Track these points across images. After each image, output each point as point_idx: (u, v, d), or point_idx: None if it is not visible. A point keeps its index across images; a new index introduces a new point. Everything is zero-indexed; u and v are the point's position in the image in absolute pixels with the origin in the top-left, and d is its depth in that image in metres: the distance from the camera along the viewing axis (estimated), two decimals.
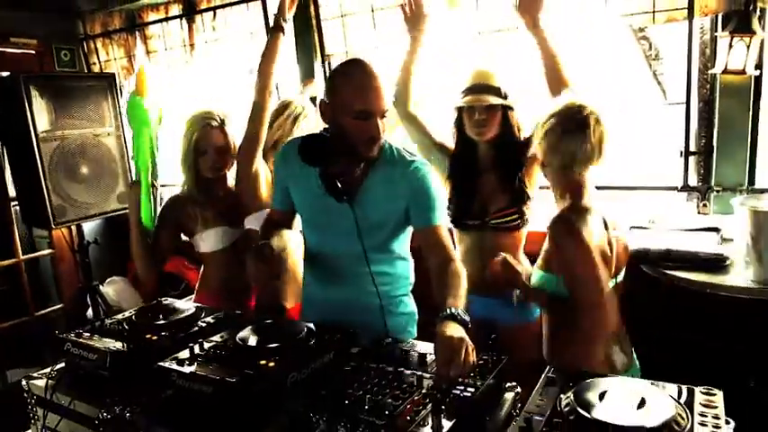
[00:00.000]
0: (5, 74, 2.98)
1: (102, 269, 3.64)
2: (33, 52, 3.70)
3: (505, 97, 1.85)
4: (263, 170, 1.97)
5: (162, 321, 1.56)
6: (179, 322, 1.56)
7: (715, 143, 2.25)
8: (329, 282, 1.65)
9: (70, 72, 3.75)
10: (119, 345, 1.42)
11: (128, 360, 1.38)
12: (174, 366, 1.25)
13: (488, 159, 1.92)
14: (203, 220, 1.98)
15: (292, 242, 1.88)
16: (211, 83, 3.55)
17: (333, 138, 1.52)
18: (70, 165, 2.98)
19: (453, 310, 1.26)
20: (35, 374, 1.50)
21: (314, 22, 2.85)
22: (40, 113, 2.90)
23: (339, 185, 1.50)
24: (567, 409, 1.06)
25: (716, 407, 1.06)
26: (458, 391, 1.13)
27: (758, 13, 2.02)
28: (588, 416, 1.01)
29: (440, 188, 1.57)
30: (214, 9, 3.23)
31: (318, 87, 2.82)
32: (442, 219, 1.55)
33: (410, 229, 1.62)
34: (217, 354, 1.31)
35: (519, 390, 1.25)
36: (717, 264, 1.82)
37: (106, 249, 3.64)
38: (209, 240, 2.00)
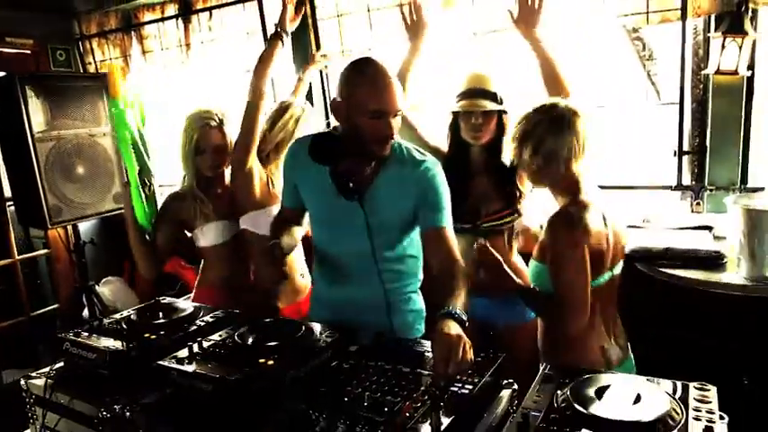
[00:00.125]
0: (1, 74, 2.96)
1: (98, 269, 3.64)
2: (29, 52, 3.69)
3: (501, 102, 1.86)
4: (256, 169, 1.98)
5: (161, 320, 1.57)
6: (178, 321, 1.57)
7: (708, 143, 2.28)
8: (338, 279, 1.65)
9: (66, 72, 3.74)
10: (118, 344, 1.42)
11: (127, 359, 1.38)
12: (174, 365, 1.26)
13: (481, 162, 1.93)
14: (203, 215, 2.00)
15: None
16: (207, 83, 3.55)
17: (345, 136, 1.52)
18: (66, 165, 2.97)
19: (452, 309, 1.27)
20: (34, 374, 1.50)
21: (310, 21, 2.86)
22: (36, 113, 2.90)
23: (350, 184, 1.50)
24: (563, 405, 1.08)
25: (710, 402, 1.08)
26: (455, 389, 1.15)
27: (750, 14, 2.05)
28: (585, 411, 1.03)
29: (448, 190, 1.57)
30: (210, 9, 3.23)
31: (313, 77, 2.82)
32: (449, 220, 1.55)
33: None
34: (216, 352, 1.32)
35: (516, 387, 1.26)
36: (714, 261, 1.84)
37: (102, 249, 3.63)
38: (208, 234, 2.01)
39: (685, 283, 1.80)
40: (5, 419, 1.75)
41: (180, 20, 3.35)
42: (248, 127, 1.93)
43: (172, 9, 3.39)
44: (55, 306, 3.67)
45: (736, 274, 1.78)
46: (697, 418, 1.03)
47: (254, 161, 1.97)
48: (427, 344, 1.37)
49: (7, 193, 3.29)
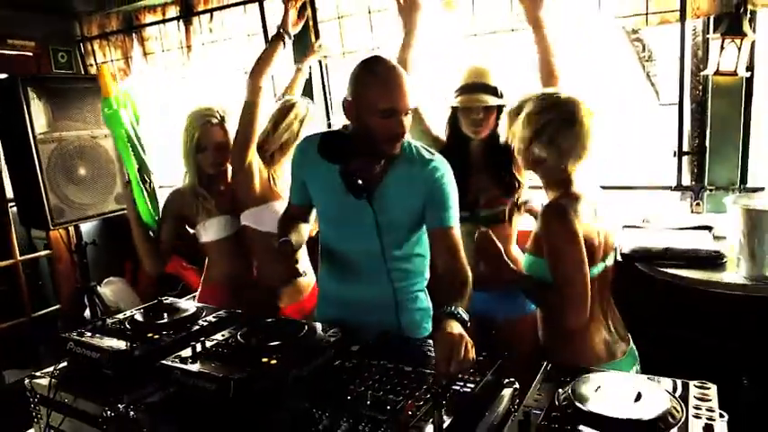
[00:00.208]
0: (3, 76, 2.97)
1: (99, 270, 3.65)
2: (30, 54, 3.70)
3: (501, 96, 1.86)
4: (256, 165, 1.98)
5: (164, 320, 1.58)
6: (181, 321, 1.57)
7: (708, 143, 2.29)
8: (347, 278, 1.66)
9: (68, 74, 3.75)
10: (122, 344, 1.43)
11: (131, 359, 1.39)
12: (177, 364, 1.27)
13: (480, 153, 1.93)
14: (205, 211, 2.01)
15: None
16: (208, 84, 3.56)
17: (355, 135, 1.52)
18: (68, 166, 2.99)
19: (453, 309, 1.28)
20: (38, 373, 1.50)
21: (311, 23, 2.87)
22: (38, 115, 2.91)
23: (360, 182, 1.50)
24: (564, 403, 1.08)
25: (710, 400, 1.09)
26: (457, 387, 1.16)
27: (748, 15, 2.06)
28: (585, 409, 1.04)
29: (456, 190, 1.58)
30: (211, 11, 3.24)
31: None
32: (456, 220, 1.56)
33: None
34: (219, 352, 1.33)
35: (517, 385, 1.26)
36: (714, 261, 1.85)
37: (104, 250, 3.64)
38: (210, 229, 2.02)
39: (685, 283, 1.81)
40: (8, 420, 1.75)
41: (181, 22, 3.37)
42: (247, 124, 1.94)
43: (173, 11, 3.40)
44: (56, 307, 3.67)
45: (735, 273, 1.79)
46: (697, 416, 1.04)
47: (253, 157, 1.97)
48: (429, 343, 1.38)
49: (9, 194, 3.31)
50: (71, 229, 3.31)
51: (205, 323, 1.57)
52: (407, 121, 1.48)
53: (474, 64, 1.91)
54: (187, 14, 3.33)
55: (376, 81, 1.45)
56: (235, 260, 2.06)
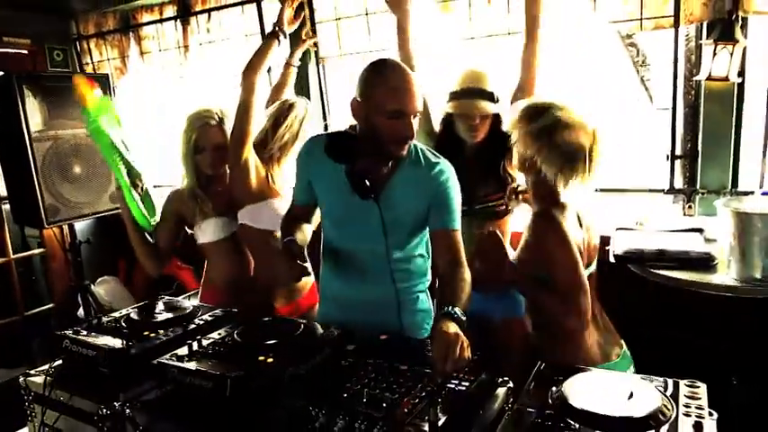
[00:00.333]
0: None
1: (93, 269, 3.64)
2: (26, 52, 3.69)
3: (497, 101, 1.87)
4: (252, 162, 1.99)
5: (160, 318, 1.58)
6: (177, 320, 1.58)
7: (700, 147, 2.32)
8: (350, 278, 1.66)
9: (64, 72, 3.74)
10: (117, 342, 1.43)
11: (127, 357, 1.39)
12: (174, 362, 1.27)
13: (474, 154, 1.94)
14: (202, 213, 2.01)
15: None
16: (206, 84, 3.56)
17: (362, 136, 1.53)
18: (63, 164, 2.98)
19: (451, 309, 1.30)
20: (32, 371, 1.50)
21: (308, 22, 2.88)
22: (33, 113, 2.91)
23: (367, 183, 1.51)
24: (557, 401, 1.10)
25: (700, 398, 1.11)
26: (452, 386, 1.17)
27: (740, 21, 2.09)
28: (578, 407, 1.06)
29: (460, 193, 1.59)
30: (209, 11, 3.25)
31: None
32: (459, 223, 1.57)
33: None
34: (216, 350, 1.33)
35: (511, 384, 1.28)
36: (706, 263, 1.87)
37: (98, 249, 3.63)
38: (207, 231, 2.02)
39: (677, 285, 1.83)
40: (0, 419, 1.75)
41: (178, 21, 3.37)
42: (242, 121, 1.94)
43: (170, 11, 3.40)
44: (50, 306, 3.66)
45: (726, 275, 1.81)
46: (687, 414, 1.06)
47: (249, 154, 1.98)
48: (428, 343, 1.39)
49: (2, 191, 3.30)
50: (65, 227, 3.30)
51: (201, 322, 1.57)
52: (415, 123, 1.48)
53: (470, 68, 1.91)
54: (184, 14, 3.33)
55: (385, 83, 1.46)
56: (233, 261, 2.07)
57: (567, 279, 1.47)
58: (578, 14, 2.32)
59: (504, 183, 1.92)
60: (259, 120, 2.04)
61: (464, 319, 1.30)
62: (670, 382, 1.17)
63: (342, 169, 1.54)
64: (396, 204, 1.55)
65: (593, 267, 1.63)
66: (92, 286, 3.40)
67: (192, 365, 1.25)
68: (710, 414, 1.07)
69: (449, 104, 1.91)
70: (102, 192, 3.12)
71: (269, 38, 2.09)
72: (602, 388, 1.12)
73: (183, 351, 1.32)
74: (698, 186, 2.33)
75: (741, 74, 2.14)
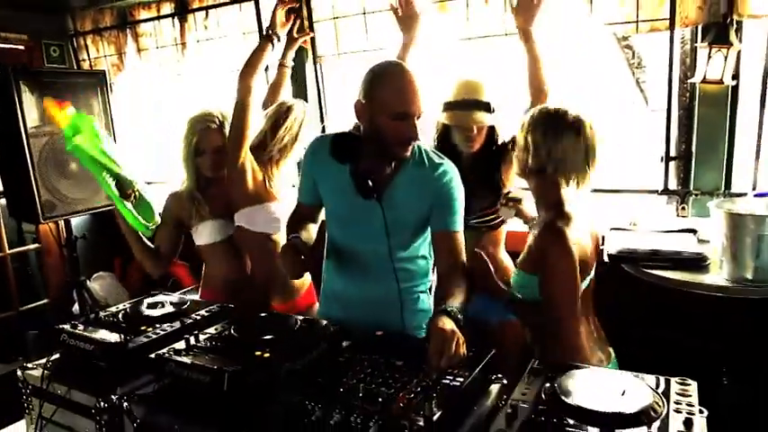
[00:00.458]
0: None
1: (89, 264, 3.63)
2: (22, 47, 3.68)
3: (493, 111, 1.87)
4: (249, 165, 2.00)
5: (157, 313, 1.59)
6: (174, 315, 1.59)
7: (694, 149, 2.34)
8: (354, 277, 1.67)
9: (61, 68, 3.74)
10: (115, 336, 1.44)
11: (124, 351, 1.40)
12: (172, 356, 1.28)
13: (470, 164, 1.95)
14: (198, 216, 2.02)
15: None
16: (203, 82, 3.56)
17: (366, 137, 1.54)
18: (59, 160, 2.98)
19: (449, 307, 1.31)
20: (30, 365, 1.51)
21: (306, 23, 2.89)
22: (30, 109, 2.90)
23: (370, 183, 1.52)
24: (551, 397, 1.12)
25: (690, 396, 1.13)
26: (447, 381, 1.19)
27: (735, 25, 2.11)
28: (571, 403, 1.07)
29: (463, 195, 1.60)
30: (206, 9, 3.25)
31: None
32: (461, 225, 1.58)
33: None
34: (213, 345, 1.34)
35: (505, 381, 1.30)
36: (698, 263, 1.89)
37: (93, 245, 3.62)
38: (203, 233, 2.03)
39: (670, 284, 1.85)
40: None
41: (176, 18, 3.37)
42: (239, 125, 1.95)
43: (168, 8, 3.40)
44: (45, 301, 3.65)
45: (718, 275, 1.83)
46: (678, 411, 1.08)
47: (246, 157, 1.99)
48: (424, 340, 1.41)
49: None
50: (61, 223, 3.30)
51: (198, 317, 1.58)
52: (419, 125, 1.49)
53: (465, 78, 1.91)
54: (182, 11, 3.33)
55: (389, 84, 1.47)
56: (231, 263, 2.07)
57: (560, 296, 1.47)
58: (575, 16, 2.34)
59: (499, 196, 1.93)
60: (256, 122, 2.05)
61: (460, 317, 1.31)
62: (662, 379, 1.19)
63: (346, 169, 1.55)
64: (398, 205, 1.56)
65: (593, 273, 1.64)
66: (87, 282, 3.40)
67: (189, 360, 1.26)
68: (701, 411, 1.08)
69: (444, 115, 1.91)
70: (98, 188, 3.08)
71: (262, 42, 2.09)
72: (595, 384, 1.14)
73: (181, 345, 1.33)
74: (691, 188, 2.36)
75: (735, 77, 2.16)
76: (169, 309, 1.63)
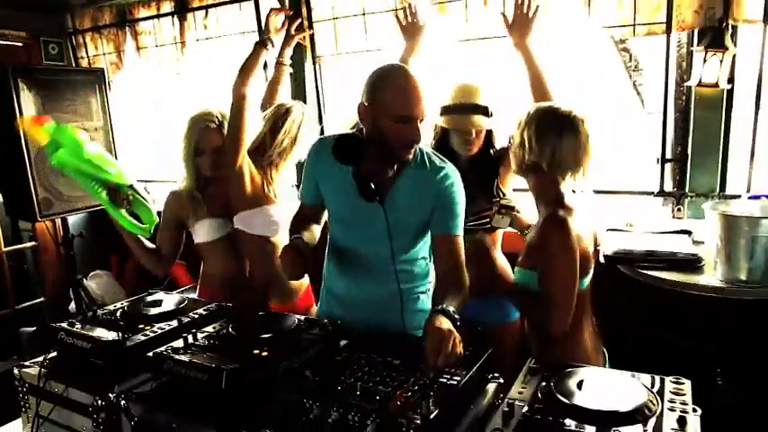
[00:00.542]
0: None
1: (85, 263, 3.63)
2: (21, 45, 3.68)
3: (491, 115, 1.88)
4: (247, 169, 2.00)
5: (155, 312, 1.59)
6: (172, 313, 1.59)
7: (690, 151, 2.36)
8: (356, 277, 1.67)
9: (59, 66, 3.73)
10: (113, 334, 1.44)
11: (122, 349, 1.40)
12: (170, 354, 1.28)
13: (467, 168, 1.96)
14: (197, 214, 2.02)
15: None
16: (203, 81, 3.56)
17: (369, 140, 1.54)
18: None
19: (446, 307, 1.32)
20: (27, 363, 1.51)
21: (306, 23, 2.90)
22: (28, 106, 2.90)
23: (372, 186, 1.52)
24: (547, 395, 1.13)
25: (684, 395, 1.14)
26: (444, 380, 1.19)
27: (731, 29, 2.13)
28: (567, 401, 1.08)
29: (464, 199, 1.60)
30: (206, 8, 3.25)
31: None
32: (461, 229, 1.59)
33: None
34: (211, 343, 1.35)
35: (501, 381, 1.30)
36: (693, 264, 1.91)
37: (90, 243, 3.62)
38: (201, 231, 2.04)
39: (665, 285, 1.86)
40: None
41: (175, 17, 3.37)
42: (235, 129, 1.95)
43: (167, 6, 3.40)
44: (41, 299, 3.65)
45: (712, 276, 1.85)
46: (672, 409, 1.09)
47: (243, 161, 1.99)
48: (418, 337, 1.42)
49: None
50: (58, 221, 3.29)
51: (196, 316, 1.59)
52: (422, 128, 1.50)
53: (462, 81, 1.92)
54: (182, 10, 3.33)
55: (392, 87, 1.47)
56: (229, 261, 2.08)
57: (557, 287, 1.48)
58: (573, 19, 2.35)
59: (496, 198, 1.93)
60: (254, 122, 2.04)
61: (457, 317, 1.32)
62: (656, 378, 1.20)
63: (349, 171, 1.56)
64: (401, 208, 1.57)
65: (591, 272, 1.65)
66: (84, 280, 3.39)
67: (187, 358, 1.26)
68: (694, 410, 1.10)
69: (442, 118, 1.91)
70: None
71: (257, 47, 2.08)
72: (591, 383, 1.15)
73: (179, 344, 1.33)
74: (687, 189, 2.38)
75: (730, 80, 2.18)
76: (167, 307, 1.63)
